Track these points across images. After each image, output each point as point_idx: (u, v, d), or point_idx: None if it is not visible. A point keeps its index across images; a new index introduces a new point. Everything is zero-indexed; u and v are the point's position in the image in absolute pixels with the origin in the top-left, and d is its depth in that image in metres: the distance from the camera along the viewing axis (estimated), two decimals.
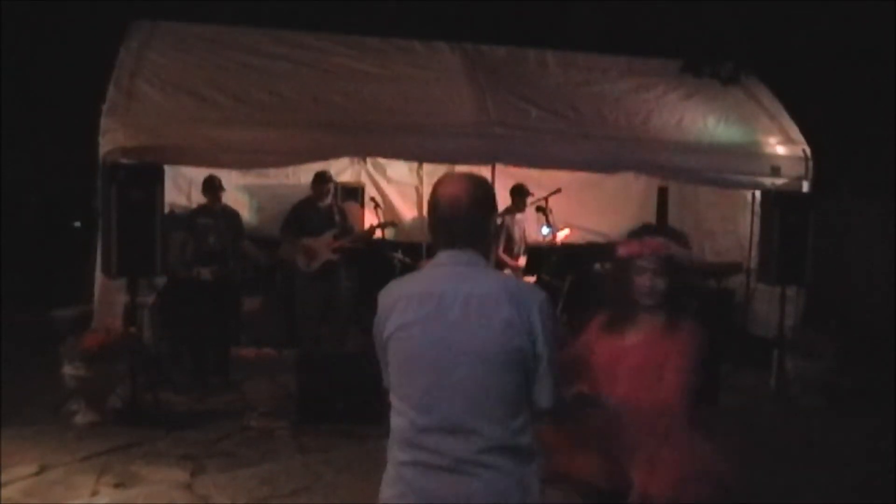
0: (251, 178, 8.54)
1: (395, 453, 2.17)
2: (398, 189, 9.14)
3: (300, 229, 7.41)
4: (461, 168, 8.94)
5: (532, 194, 7.91)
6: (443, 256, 2.16)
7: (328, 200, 7.53)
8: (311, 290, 7.46)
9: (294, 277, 7.75)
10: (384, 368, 2.22)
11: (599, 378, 2.78)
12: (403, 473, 2.13)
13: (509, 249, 7.91)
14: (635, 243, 2.89)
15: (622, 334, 2.87)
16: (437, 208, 2.16)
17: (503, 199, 8.02)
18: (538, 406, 2.11)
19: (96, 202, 6.11)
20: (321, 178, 7.51)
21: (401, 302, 2.12)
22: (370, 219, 8.57)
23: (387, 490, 2.19)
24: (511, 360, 2.03)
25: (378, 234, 7.81)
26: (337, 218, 7.52)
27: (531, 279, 8.14)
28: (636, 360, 2.78)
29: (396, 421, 2.17)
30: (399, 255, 8.43)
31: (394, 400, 2.18)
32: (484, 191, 2.18)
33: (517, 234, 8.00)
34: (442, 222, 2.16)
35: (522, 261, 8.06)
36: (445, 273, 2.13)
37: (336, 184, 7.92)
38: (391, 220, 8.47)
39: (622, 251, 2.90)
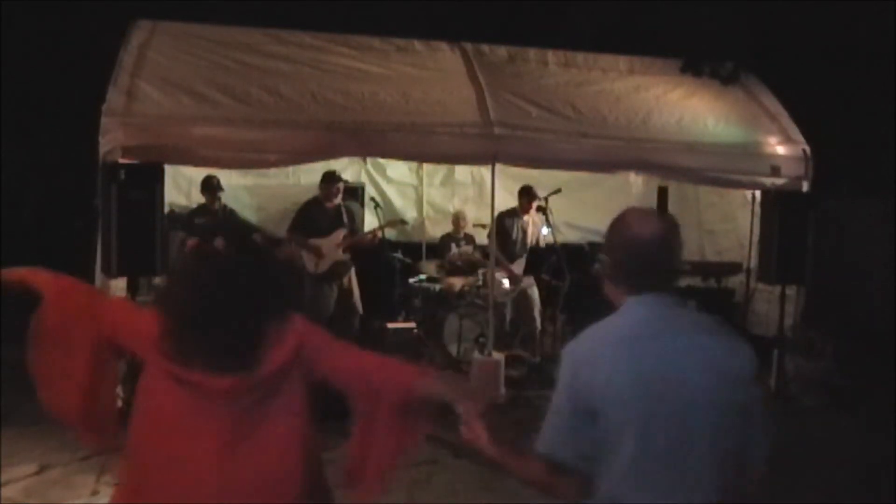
0: (251, 178, 8.54)
1: None
2: (398, 189, 9.15)
3: (308, 230, 7.40)
4: (461, 168, 9.04)
5: (538, 197, 7.89)
6: (648, 299, 1.95)
7: (337, 200, 7.53)
8: (319, 290, 7.45)
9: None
10: (565, 427, 1.90)
11: None
12: None
13: (509, 252, 7.90)
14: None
15: None
16: (642, 249, 1.96)
17: (503, 199, 8.03)
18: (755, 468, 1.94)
19: (96, 202, 6.11)
20: (330, 178, 7.50)
21: (607, 349, 1.90)
22: (370, 219, 8.58)
23: None
24: (735, 416, 1.88)
25: (378, 234, 7.82)
26: (345, 218, 7.51)
27: (531, 279, 8.15)
28: None
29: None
30: (399, 255, 8.45)
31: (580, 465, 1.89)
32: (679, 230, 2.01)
33: (517, 234, 7.98)
34: (649, 265, 1.96)
35: (517, 267, 8.04)
36: (657, 317, 1.94)
37: (345, 182, 7.91)
38: (400, 219, 8.49)
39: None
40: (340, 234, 7.44)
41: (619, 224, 2.02)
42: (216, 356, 2.10)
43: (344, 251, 7.43)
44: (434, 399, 2.22)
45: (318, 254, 7.36)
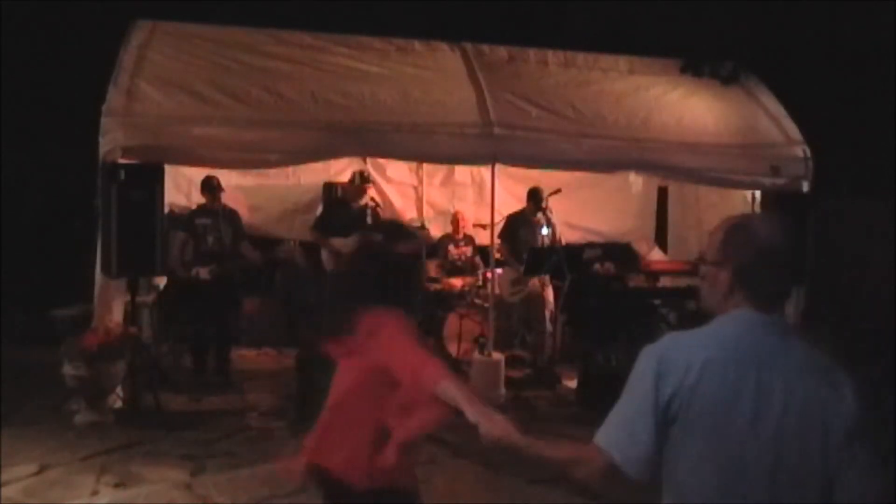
0: (251, 178, 8.53)
1: None
2: (398, 189, 9.14)
3: (331, 229, 7.40)
4: (461, 168, 9.04)
5: (546, 200, 7.87)
6: (760, 321, 1.81)
7: (363, 201, 7.53)
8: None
9: (294, 277, 7.74)
10: (638, 429, 1.80)
11: None
12: None
13: (517, 251, 7.89)
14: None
15: None
16: (771, 259, 1.81)
17: (503, 199, 8.03)
18: None
19: (96, 202, 6.11)
20: (357, 179, 7.50)
21: (697, 359, 1.77)
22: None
23: None
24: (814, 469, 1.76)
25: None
26: (369, 220, 7.50)
27: (546, 280, 8.11)
28: None
29: None
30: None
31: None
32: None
33: (526, 235, 7.95)
34: (773, 282, 1.82)
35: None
36: (764, 345, 1.79)
37: (372, 182, 7.94)
38: (421, 224, 8.50)
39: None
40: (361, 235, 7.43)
41: (746, 229, 1.86)
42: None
43: None
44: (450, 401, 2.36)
45: (337, 254, 7.35)
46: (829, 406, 1.75)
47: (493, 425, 2.05)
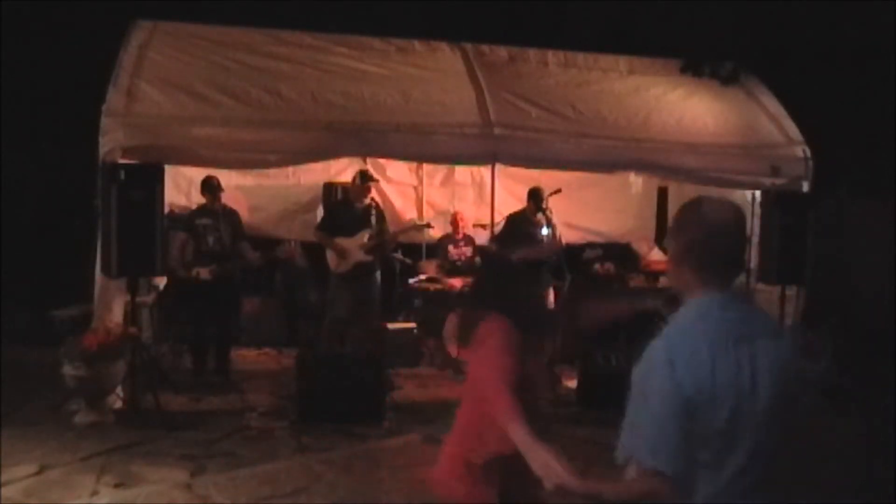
0: (251, 178, 8.53)
1: None
2: (398, 189, 9.14)
3: (334, 228, 7.39)
4: (461, 168, 9.04)
5: (547, 200, 7.86)
6: (728, 298, 1.93)
7: (367, 200, 7.53)
8: (341, 290, 7.42)
9: (294, 277, 7.74)
10: (674, 436, 1.82)
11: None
12: None
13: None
14: None
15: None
16: (722, 238, 1.93)
17: (503, 199, 8.02)
18: None
19: (96, 202, 6.11)
20: (361, 178, 7.49)
21: (703, 348, 1.85)
22: None
23: None
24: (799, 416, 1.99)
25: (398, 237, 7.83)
26: (373, 219, 7.49)
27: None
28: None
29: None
30: (399, 255, 8.45)
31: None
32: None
33: (526, 235, 7.92)
34: (723, 257, 1.93)
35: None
36: (741, 319, 1.94)
37: (377, 181, 7.94)
38: (427, 223, 8.49)
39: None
40: (365, 235, 7.41)
41: (696, 209, 1.99)
42: None
43: (367, 252, 7.40)
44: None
45: (341, 253, 7.34)
46: (791, 363, 1.96)
47: (553, 475, 2.09)
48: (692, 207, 2.00)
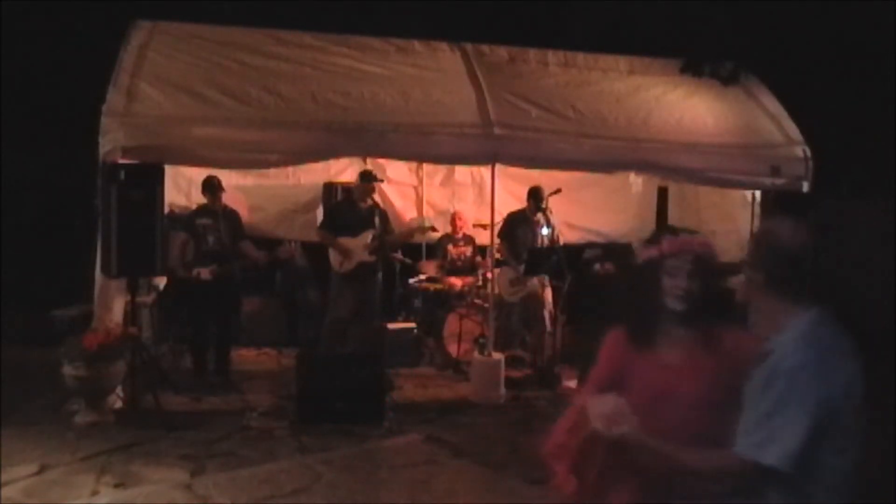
0: (251, 179, 8.53)
1: None
2: (398, 189, 9.14)
3: (337, 228, 7.39)
4: (461, 168, 9.04)
5: (547, 199, 7.86)
6: (826, 318, 2.11)
7: (370, 201, 7.52)
8: (343, 290, 7.42)
9: (294, 277, 7.74)
10: (806, 441, 1.97)
11: (645, 407, 2.18)
12: None
13: (516, 251, 7.88)
14: (667, 241, 2.47)
15: (656, 352, 2.40)
16: (801, 262, 2.11)
17: (503, 199, 8.02)
18: None
19: (96, 202, 6.11)
20: (367, 177, 7.48)
21: (832, 362, 2.07)
22: None
23: None
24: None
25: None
26: (376, 220, 7.49)
27: (544, 280, 8.10)
28: (689, 385, 2.33)
29: None
30: (399, 255, 8.45)
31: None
32: None
33: (525, 234, 7.94)
34: (808, 276, 2.12)
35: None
36: (841, 337, 2.12)
37: (381, 181, 7.96)
38: (431, 225, 8.50)
39: (651, 251, 2.49)
40: (369, 235, 7.41)
41: (776, 237, 2.12)
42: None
43: (371, 253, 7.39)
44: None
45: (345, 253, 7.33)
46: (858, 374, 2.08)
47: (622, 421, 2.02)
48: (770, 237, 2.13)
